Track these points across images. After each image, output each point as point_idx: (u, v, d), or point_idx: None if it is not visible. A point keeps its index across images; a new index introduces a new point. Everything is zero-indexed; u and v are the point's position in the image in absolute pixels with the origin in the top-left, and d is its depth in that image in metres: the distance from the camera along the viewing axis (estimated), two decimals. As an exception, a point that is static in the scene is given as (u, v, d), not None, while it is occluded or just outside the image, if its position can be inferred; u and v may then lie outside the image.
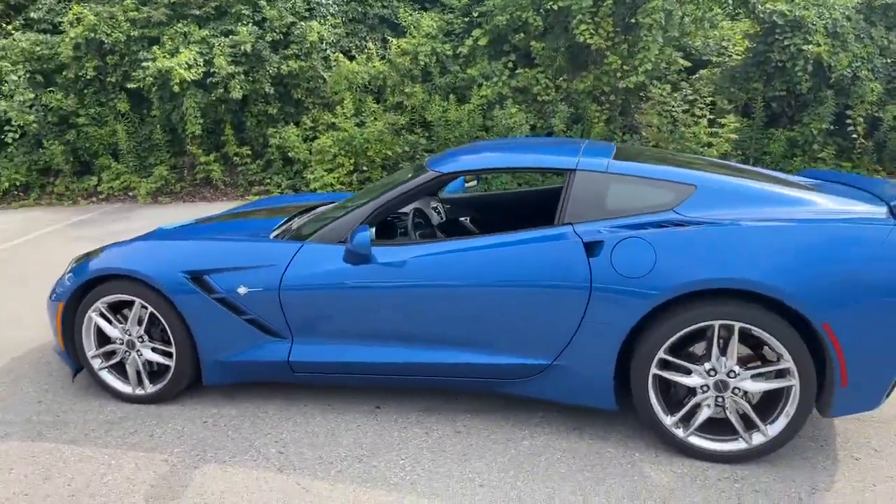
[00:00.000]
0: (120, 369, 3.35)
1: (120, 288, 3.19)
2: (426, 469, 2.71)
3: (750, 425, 2.67)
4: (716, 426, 2.72)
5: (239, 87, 9.22)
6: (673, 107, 8.54)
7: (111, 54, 9.52)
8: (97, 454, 2.88)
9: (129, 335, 3.25)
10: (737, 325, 2.59)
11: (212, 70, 9.13)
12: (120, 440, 2.99)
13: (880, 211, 2.67)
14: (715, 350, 2.65)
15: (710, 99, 8.63)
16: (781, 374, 2.62)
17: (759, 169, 3.77)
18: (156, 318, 3.19)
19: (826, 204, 2.76)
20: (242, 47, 9.24)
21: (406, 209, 3.52)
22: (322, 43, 9.80)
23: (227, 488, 2.61)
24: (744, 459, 2.69)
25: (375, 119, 9.41)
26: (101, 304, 3.25)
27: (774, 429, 2.65)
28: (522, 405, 3.15)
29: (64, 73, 9.62)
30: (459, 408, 3.18)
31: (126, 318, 3.26)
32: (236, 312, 3.10)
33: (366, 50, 10.17)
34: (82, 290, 3.26)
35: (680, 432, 2.73)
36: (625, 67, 8.88)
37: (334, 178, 9.20)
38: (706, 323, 2.61)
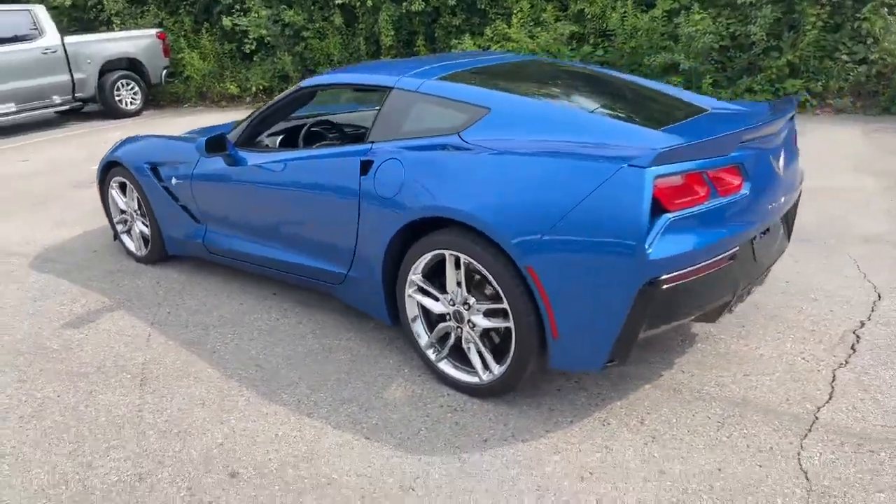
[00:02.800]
0: (129, 234, 4.38)
1: (119, 172, 4.15)
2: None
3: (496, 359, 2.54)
4: (464, 356, 2.64)
5: (419, 0, 9.72)
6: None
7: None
8: (113, 289, 3.93)
9: (129, 207, 4.23)
10: (462, 257, 2.45)
11: (400, -18, 9.77)
12: (118, 283, 3.99)
13: (642, 148, 2.18)
14: (451, 280, 2.55)
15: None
16: (505, 313, 2.42)
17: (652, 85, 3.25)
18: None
19: (612, 138, 2.34)
20: (428, -41, 9.65)
21: (308, 122, 3.87)
22: (507, -51, 9.69)
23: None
24: (482, 394, 2.59)
25: (544, 29, 9.16)
26: (113, 183, 4.26)
27: (500, 368, 2.49)
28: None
29: (297, -10, 11.17)
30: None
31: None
32: (174, 199, 3.83)
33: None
34: (104, 171, 4.31)
35: (433, 356, 2.71)
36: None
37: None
38: (439, 251, 2.52)
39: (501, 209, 2.28)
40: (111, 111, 10.82)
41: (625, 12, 8.66)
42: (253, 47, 11.14)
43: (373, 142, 2.85)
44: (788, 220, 2.85)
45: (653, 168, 2.08)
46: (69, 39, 10.25)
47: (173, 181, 3.75)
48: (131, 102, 11.11)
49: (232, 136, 3.47)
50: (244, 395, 2.71)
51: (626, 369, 2.73)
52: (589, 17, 9.15)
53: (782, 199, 2.55)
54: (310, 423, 2.51)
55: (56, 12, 12.90)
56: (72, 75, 10.24)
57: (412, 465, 2.24)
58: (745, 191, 2.32)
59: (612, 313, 2.16)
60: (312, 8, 11.19)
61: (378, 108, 2.92)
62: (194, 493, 2.16)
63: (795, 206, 2.87)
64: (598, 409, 2.50)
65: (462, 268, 2.47)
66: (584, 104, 2.83)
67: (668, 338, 2.96)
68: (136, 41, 11.15)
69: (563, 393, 2.60)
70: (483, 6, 9.97)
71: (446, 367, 2.67)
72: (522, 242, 2.22)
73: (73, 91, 10.34)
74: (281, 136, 3.77)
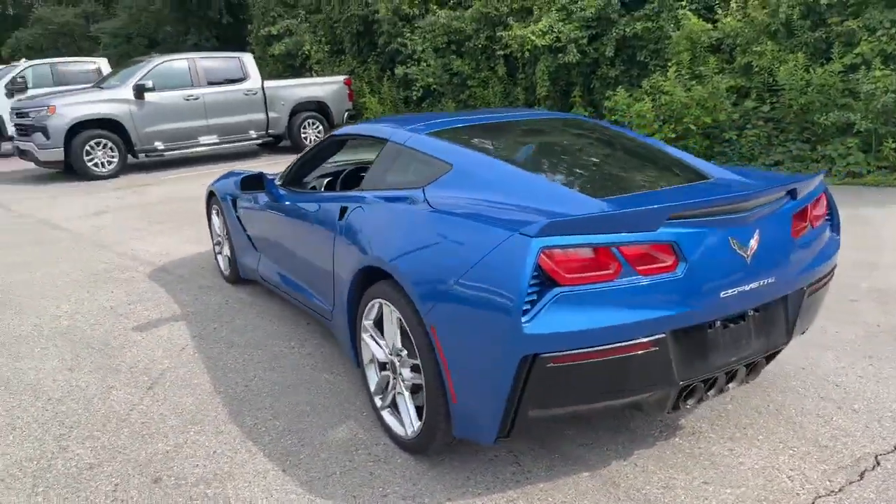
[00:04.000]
0: (221, 255, 4.94)
1: (215, 201, 4.74)
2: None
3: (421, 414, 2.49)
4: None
5: (575, 51, 9.74)
6: None
7: (497, 25, 11.18)
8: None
9: (221, 232, 4.80)
10: (388, 308, 2.47)
11: (557, 35, 9.89)
12: (198, 297, 4.55)
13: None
14: (389, 330, 2.56)
15: None
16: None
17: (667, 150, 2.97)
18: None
19: (541, 203, 2.25)
20: (588, 11, 9.68)
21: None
22: (672, 0, 9.39)
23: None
24: (408, 449, 2.53)
25: (700, 82, 8.67)
26: (212, 210, 4.87)
27: (418, 425, 2.42)
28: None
29: (467, 42, 11.78)
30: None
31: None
32: (243, 228, 4.28)
33: (719, 4, 9.24)
34: (207, 200, 4.94)
35: (378, 403, 2.72)
36: None
37: (648, 144, 8.94)
38: (377, 300, 2.56)
39: (416, 264, 2.30)
40: (297, 146, 12.20)
41: (795, 65, 7.91)
42: (419, 94, 11.91)
43: (362, 189, 3.00)
44: (788, 313, 2.45)
45: (540, 238, 1.96)
46: (268, 83, 11.80)
47: (241, 211, 4.22)
48: (314, 139, 12.42)
49: (280, 176, 3.83)
50: (216, 412, 2.96)
51: (578, 449, 2.52)
52: (756, 70, 8.50)
53: (757, 286, 2.22)
54: (248, 446, 2.67)
55: (272, 59, 14.95)
56: (267, 114, 11.75)
57: (304, 504, 2.30)
58: (678, 273, 2.08)
59: (497, 385, 2.05)
60: (480, 58, 11.71)
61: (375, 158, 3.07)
62: (117, 491, 2.42)
63: (802, 297, 2.46)
64: (516, 487, 2.34)
65: (395, 319, 2.50)
66: (553, 167, 2.73)
67: (645, 423, 2.68)
68: (325, 86, 12.51)
69: (495, 463, 2.48)
70: (643, 57, 9.72)
71: (386, 415, 2.68)
72: (424, 297, 2.21)
73: (267, 128, 11.85)
74: (327, 179, 4.07)
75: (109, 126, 10.16)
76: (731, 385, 2.38)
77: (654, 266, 2.06)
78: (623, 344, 2.01)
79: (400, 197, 2.69)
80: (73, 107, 9.91)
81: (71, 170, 10.13)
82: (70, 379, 3.35)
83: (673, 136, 8.66)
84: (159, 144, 10.67)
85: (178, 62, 10.95)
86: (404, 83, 12.50)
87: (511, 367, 1.99)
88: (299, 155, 3.82)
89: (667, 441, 2.57)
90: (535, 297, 1.97)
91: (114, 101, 10.19)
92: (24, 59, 14.77)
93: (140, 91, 10.29)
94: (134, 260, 5.51)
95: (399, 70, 12.08)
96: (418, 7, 12.41)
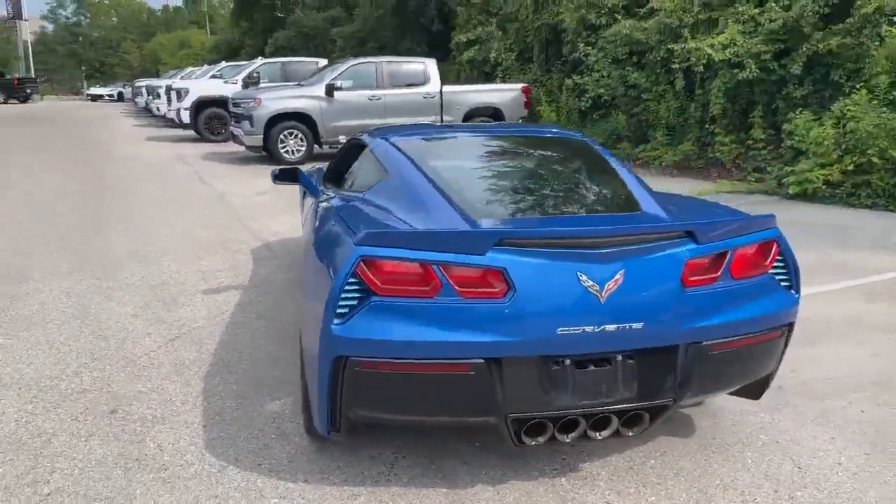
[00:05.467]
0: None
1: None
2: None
3: None
4: None
5: (753, 66, 8.88)
6: None
7: (680, 37, 10.57)
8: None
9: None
10: None
11: (735, 49, 9.10)
12: (282, 286, 5.12)
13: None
14: None
15: None
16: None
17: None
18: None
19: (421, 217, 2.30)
20: (776, 23, 8.78)
21: None
22: (877, 15, 8.14)
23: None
24: (313, 433, 2.72)
25: (894, 109, 7.42)
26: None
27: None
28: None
29: (647, 54, 11.29)
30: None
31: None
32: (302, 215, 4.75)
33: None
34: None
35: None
36: None
37: (822, 174, 7.85)
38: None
39: (306, 259, 2.49)
40: (468, 149, 12.68)
41: None
42: (588, 105, 11.68)
43: (339, 191, 3.23)
44: (676, 368, 2.19)
45: (360, 247, 2.04)
46: (447, 88, 12.42)
47: (305, 203, 4.68)
48: (485, 144, 12.82)
49: (325, 171, 4.20)
50: (198, 369, 3.40)
51: (460, 466, 2.52)
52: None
53: (616, 329, 2.05)
54: (199, 402, 3.06)
55: (468, 64, 15.64)
56: (441, 117, 12.39)
57: None
58: (505, 300, 2.01)
59: (321, 382, 2.17)
60: (659, 71, 11.15)
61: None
62: (85, 413, 2.95)
63: (702, 354, 2.18)
64: (372, 485, 2.42)
65: None
66: (472, 184, 2.73)
67: (547, 456, 2.56)
68: (501, 93, 12.83)
69: (372, 461, 2.57)
70: (838, 77, 8.56)
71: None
72: (304, 294, 2.40)
73: (441, 129, 12.51)
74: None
75: (301, 119, 11.50)
76: (601, 433, 2.20)
77: (480, 290, 2.02)
78: (433, 362, 2.01)
79: (347, 196, 2.88)
80: (275, 101, 11.41)
81: (269, 154, 11.67)
82: (126, 324, 4.04)
83: (851, 167, 7.52)
84: (342, 138, 11.81)
85: (368, 65, 12.02)
86: (578, 93, 12.34)
87: (326, 366, 2.10)
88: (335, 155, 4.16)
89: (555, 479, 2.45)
90: (354, 302, 2.05)
91: (308, 97, 11.52)
92: (260, 58, 17.20)
93: (330, 90, 11.49)
94: (252, 235, 6.32)
95: (570, 80, 11.96)
96: (606, 17, 12.14)
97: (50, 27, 64.09)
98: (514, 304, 2.00)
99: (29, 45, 48.64)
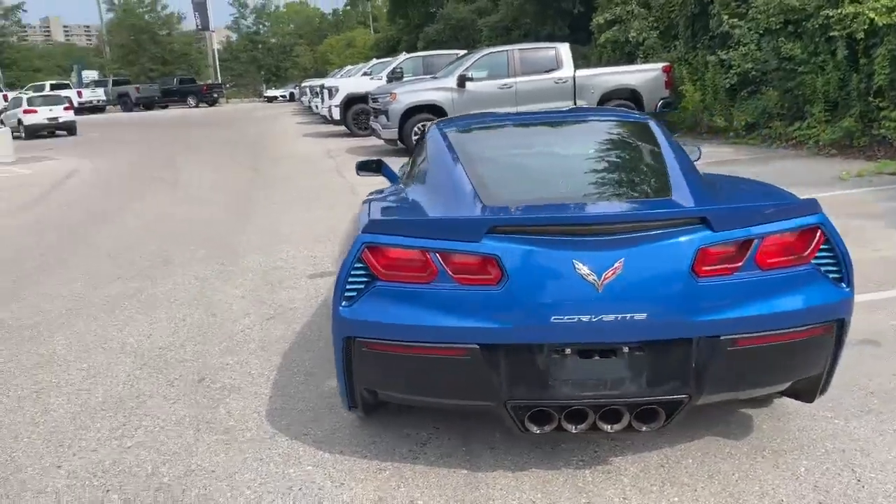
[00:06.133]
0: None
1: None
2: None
3: None
4: None
5: (925, 28, 7.74)
6: None
7: (840, 1, 9.47)
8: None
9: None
10: None
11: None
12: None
13: None
14: None
15: None
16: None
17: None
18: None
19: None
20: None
21: None
22: None
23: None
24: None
25: None
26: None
27: None
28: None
29: (804, 23, 10.23)
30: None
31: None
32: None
33: None
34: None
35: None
36: None
37: None
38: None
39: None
40: (603, 134, 12.31)
41: None
42: (733, 81, 10.82)
43: (408, 178, 3.37)
44: (692, 362, 2.05)
45: (364, 235, 2.15)
46: (580, 72, 12.14)
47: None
48: (622, 128, 12.36)
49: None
50: (271, 349, 3.72)
51: (485, 450, 2.57)
52: None
53: (616, 320, 1.99)
54: (253, 373, 3.36)
55: (608, 45, 15.14)
56: (575, 102, 12.14)
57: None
58: (498, 287, 2.02)
59: (336, 360, 2.32)
60: (818, 40, 10.08)
61: None
62: (175, 380, 3.37)
63: (720, 349, 2.03)
64: (399, 461, 2.54)
65: None
66: (501, 171, 2.76)
67: (574, 446, 2.53)
68: (640, 74, 12.30)
69: (408, 438, 2.69)
70: None
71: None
72: None
73: (574, 115, 12.25)
74: None
75: (434, 111, 11.82)
76: (613, 427, 2.14)
77: (475, 277, 2.05)
78: (431, 345, 2.08)
79: (398, 189, 3.01)
80: (409, 94, 11.85)
81: (406, 147, 12.14)
82: (234, 304, 4.49)
83: None
84: (473, 128, 12.01)
85: (499, 54, 12.09)
86: (724, 70, 11.47)
87: (339, 345, 2.24)
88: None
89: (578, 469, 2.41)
90: (361, 286, 2.18)
91: (440, 89, 11.83)
92: (404, 53, 17.85)
93: (462, 80, 11.71)
94: (367, 224, 6.69)
95: (713, 57, 11.14)
96: (758, -16, 11.16)
97: (234, 36, 71.06)
98: (507, 292, 2.01)
99: (216, 53, 54.32)
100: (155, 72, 53.20)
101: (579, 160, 2.85)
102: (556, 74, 12.01)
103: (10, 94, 27.69)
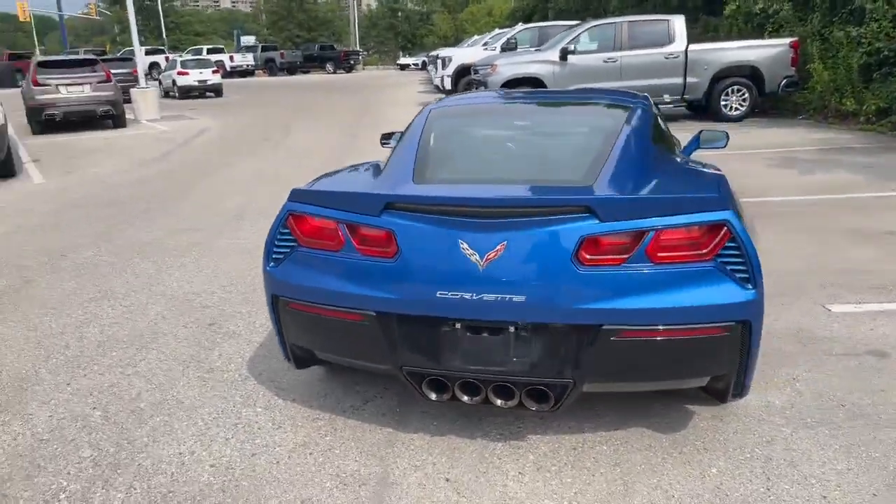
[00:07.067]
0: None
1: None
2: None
3: None
4: None
5: None
6: None
7: None
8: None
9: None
10: None
11: None
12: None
13: None
14: None
15: None
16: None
17: None
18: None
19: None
20: None
21: None
22: None
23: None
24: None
25: None
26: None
27: None
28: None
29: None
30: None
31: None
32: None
33: None
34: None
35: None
36: None
37: None
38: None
39: None
40: (714, 114, 11.61)
41: None
42: (861, 61, 9.77)
43: None
44: (572, 349, 2.07)
45: (289, 203, 2.35)
46: (693, 47, 11.46)
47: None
48: (736, 108, 11.57)
49: None
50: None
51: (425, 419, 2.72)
52: None
53: (495, 300, 2.05)
54: (236, 361, 3.68)
55: (735, 18, 14.11)
56: (685, 79, 11.51)
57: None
58: (393, 261, 2.15)
59: (271, 315, 2.55)
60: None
61: None
62: (180, 328, 3.78)
63: (602, 339, 2.03)
64: (339, 415, 2.75)
65: None
66: (454, 151, 2.84)
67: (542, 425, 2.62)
68: (762, 50, 11.41)
69: (346, 394, 2.90)
70: None
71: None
72: None
73: (683, 92, 11.63)
74: None
75: (535, 84, 11.69)
76: (507, 403, 2.22)
77: (375, 249, 2.19)
78: (336, 308, 2.25)
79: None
80: (510, 66, 11.79)
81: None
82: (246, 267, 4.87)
83: None
84: (574, 102, 11.76)
85: (606, 27, 11.68)
86: (855, 47, 10.37)
87: (269, 301, 2.47)
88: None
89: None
90: (287, 250, 2.39)
91: (542, 62, 11.66)
92: (520, 24, 17.63)
93: (564, 53, 11.47)
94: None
95: (841, 34, 10.08)
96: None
97: (374, 4, 73.02)
98: (400, 265, 2.12)
99: (355, 21, 56.20)
100: (301, 38, 56.09)
101: (535, 144, 2.85)
102: (667, 49, 11.43)
103: (172, 57, 30.44)
